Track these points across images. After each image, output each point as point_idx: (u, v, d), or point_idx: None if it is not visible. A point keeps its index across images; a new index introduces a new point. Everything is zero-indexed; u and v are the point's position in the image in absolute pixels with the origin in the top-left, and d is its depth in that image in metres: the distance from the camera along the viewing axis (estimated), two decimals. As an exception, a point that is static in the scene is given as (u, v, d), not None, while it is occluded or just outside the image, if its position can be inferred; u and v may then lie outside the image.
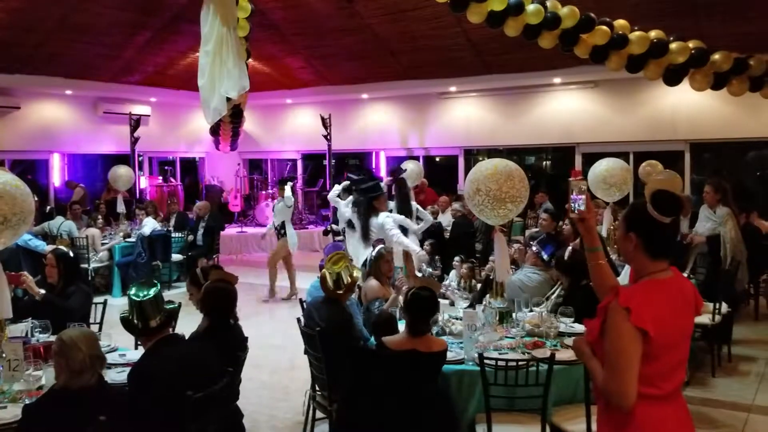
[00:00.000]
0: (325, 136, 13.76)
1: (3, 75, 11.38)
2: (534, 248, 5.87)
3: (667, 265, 2.51)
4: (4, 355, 3.73)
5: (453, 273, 8.52)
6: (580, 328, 4.66)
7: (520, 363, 3.87)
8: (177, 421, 3.18)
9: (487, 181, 4.92)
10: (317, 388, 4.75)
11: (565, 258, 5.38)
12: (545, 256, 5.78)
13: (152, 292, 3.51)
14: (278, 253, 10.09)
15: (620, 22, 7.37)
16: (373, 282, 5.63)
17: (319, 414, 4.79)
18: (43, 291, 4.89)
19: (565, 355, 4.14)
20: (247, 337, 4.25)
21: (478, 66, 11.90)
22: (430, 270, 8.62)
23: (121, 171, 12.33)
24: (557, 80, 12.21)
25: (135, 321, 3.46)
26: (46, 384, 3.56)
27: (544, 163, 15.09)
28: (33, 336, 4.22)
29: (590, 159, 10.10)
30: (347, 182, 8.27)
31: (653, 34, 7.31)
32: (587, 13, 7.22)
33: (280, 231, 10.02)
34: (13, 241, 4.36)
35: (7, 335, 4.19)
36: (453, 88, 13.44)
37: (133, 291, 3.52)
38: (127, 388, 3.43)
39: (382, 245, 6.36)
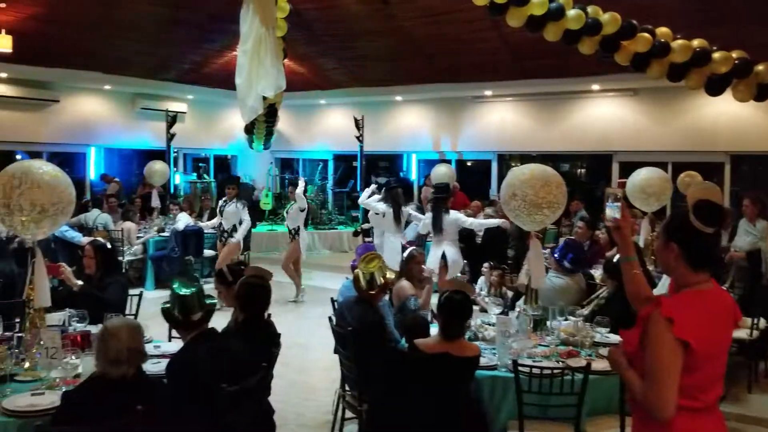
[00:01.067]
0: (358, 137, 13.78)
1: (44, 69, 11.59)
2: (555, 256, 5.80)
3: (707, 277, 2.46)
4: (42, 343, 3.79)
5: (482, 279, 8.48)
6: (615, 338, 4.59)
7: (554, 371, 3.82)
8: (211, 413, 3.20)
9: (523, 186, 4.87)
10: (347, 388, 4.74)
11: (613, 261, 5.30)
12: (568, 265, 5.70)
13: (195, 288, 3.58)
14: (290, 257, 9.93)
15: (662, 30, 7.26)
16: (404, 283, 5.60)
17: (348, 413, 4.78)
18: (80, 282, 4.96)
19: (601, 365, 4.08)
20: (279, 334, 4.26)
21: (514, 70, 11.81)
22: (459, 274, 8.59)
23: (157, 166, 12.48)
24: (595, 87, 12.08)
25: (176, 314, 3.50)
26: (82, 372, 3.60)
27: (579, 170, 14.93)
28: (70, 325, 4.27)
29: (627, 168, 9.96)
30: (376, 185, 9.13)
31: (696, 42, 7.18)
32: (629, 19, 7.12)
33: (292, 233, 9.87)
34: (53, 230, 4.42)
35: (45, 323, 4.26)
36: (488, 92, 13.37)
37: (177, 286, 3.58)
38: (164, 380, 3.47)
39: (414, 247, 6.35)
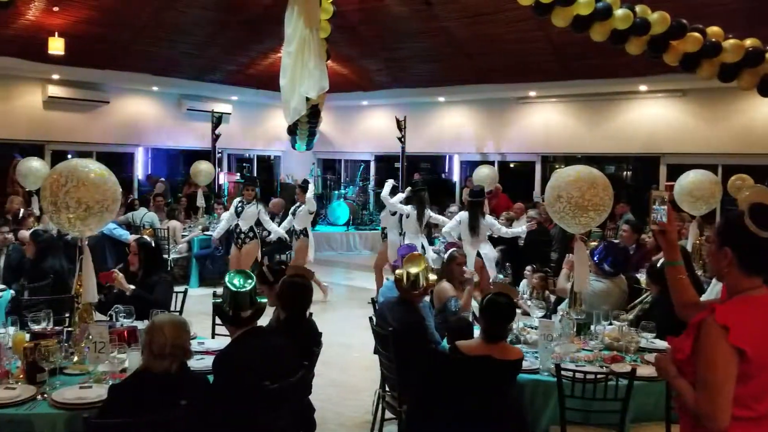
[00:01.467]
0: (400, 138, 13.77)
1: (95, 70, 11.91)
2: (594, 259, 5.70)
3: (761, 282, 2.38)
4: (90, 338, 3.88)
5: (524, 282, 8.39)
6: (661, 344, 4.49)
7: (598, 376, 3.75)
8: (254, 409, 3.23)
9: (569, 188, 4.80)
10: (387, 388, 4.74)
11: (656, 266, 5.19)
12: (608, 269, 5.59)
13: (249, 284, 3.60)
14: (298, 260, 9.54)
15: (713, 29, 7.08)
16: (445, 284, 5.57)
17: (388, 414, 4.78)
18: (132, 287, 5.05)
19: (646, 370, 3.99)
20: (321, 333, 4.28)
21: (559, 71, 11.67)
22: (501, 276, 8.51)
23: (202, 166, 12.68)
24: (643, 88, 11.84)
25: (227, 308, 3.55)
26: (128, 367, 3.67)
27: (625, 173, 14.66)
28: (117, 320, 4.37)
29: (675, 170, 9.75)
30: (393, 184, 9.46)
31: (748, 42, 6.98)
32: (678, 18, 6.97)
33: (299, 235, 9.68)
34: (100, 228, 4.49)
35: (93, 319, 4.36)
36: (532, 93, 13.23)
37: (231, 280, 3.60)
38: (208, 375, 3.52)
39: (455, 248, 6.31)
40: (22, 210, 9.49)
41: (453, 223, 8.74)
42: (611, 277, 5.58)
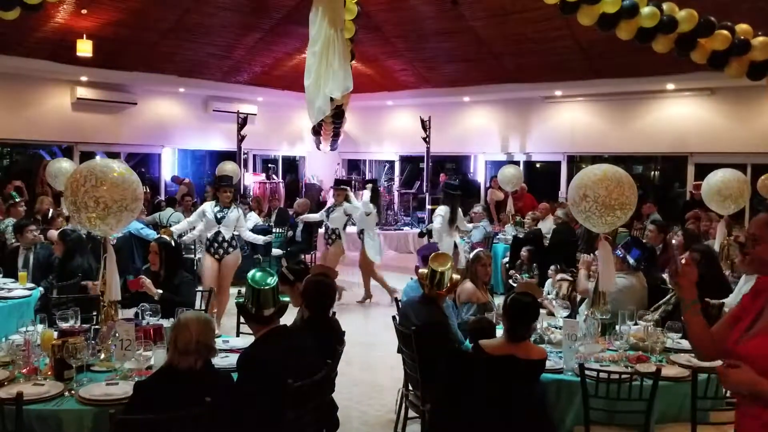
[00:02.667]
0: (424, 139, 13.75)
1: (123, 72, 12.06)
2: (619, 253, 5.63)
3: None
4: (117, 335, 3.93)
5: (549, 282, 8.33)
6: (688, 344, 4.43)
7: (622, 376, 3.71)
8: (278, 407, 3.26)
9: (596, 187, 4.75)
10: (410, 387, 4.74)
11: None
12: (632, 261, 5.52)
13: (272, 282, 3.62)
14: (333, 260, 9.45)
15: (742, 27, 6.97)
16: (468, 285, 5.56)
17: (411, 413, 4.77)
18: (160, 291, 5.10)
19: (672, 371, 3.95)
20: (344, 331, 4.29)
21: (585, 70, 11.56)
22: (526, 276, 8.46)
23: (228, 167, 12.78)
24: (670, 86, 11.68)
25: (250, 306, 3.58)
26: (154, 364, 3.72)
27: (653, 173, 14.48)
28: (143, 318, 4.42)
29: (703, 170, 9.59)
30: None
31: (778, 38, 6.87)
32: (706, 16, 6.86)
33: (332, 236, 9.63)
34: (122, 227, 4.52)
35: (119, 317, 4.42)
36: (558, 92, 13.12)
37: (255, 277, 3.62)
38: (232, 373, 3.56)
39: (480, 249, 6.28)
40: (51, 210, 9.67)
41: (439, 218, 9.02)
42: (634, 272, 5.51)
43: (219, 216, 7.73)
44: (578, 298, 7.59)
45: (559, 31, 10.48)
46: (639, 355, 4.17)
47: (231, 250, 7.82)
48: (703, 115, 11.82)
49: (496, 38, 11.40)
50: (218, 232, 7.74)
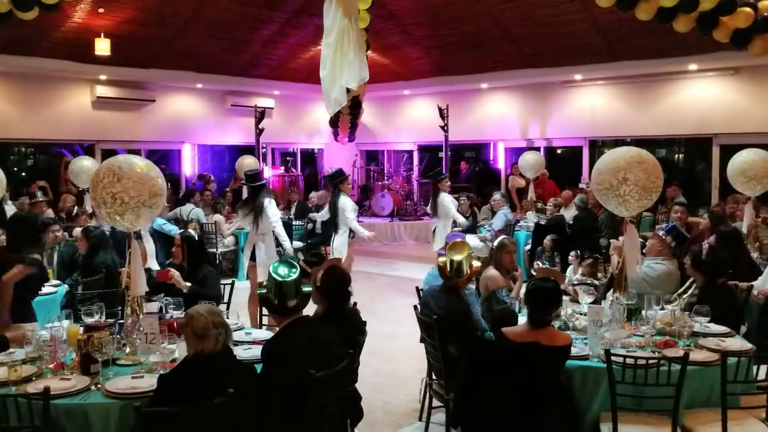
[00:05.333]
0: (442, 127, 13.66)
1: (140, 70, 12.12)
2: (661, 233, 5.54)
3: None
4: (141, 329, 3.96)
5: (570, 269, 8.25)
6: (716, 328, 4.36)
7: (649, 361, 3.66)
8: (301, 398, 3.26)
9: (636, 170, 4.67)
10: (434, 377, 4.72)
11: (702, 256, 5.04)
12: (670, 241, 5.44)
13: (294, 273, 3.62)
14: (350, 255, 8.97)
15: (765, 3, 6.82)
16: (493, 272, 5.51)
17: (435, 402, 4.76)
18: (188, 284, 5.13)
19: (700, 355, 3.88)
20: (365, 321, 4.28)
21: (605, 52, 11.38)
22: (547, 264, 8.38)
23: (248, 161, 12.82)
24: (693, 67, 11.46)
25: (273, 298, 3.58)
26: (178, 357, 3.74)
27: (677, 156, 14.27)
28: (167, 312, 4.45)
29: (728, 151, 9.42)
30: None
31: (803, 15, 6.70)
32: (728, -8, 6.73)
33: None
34: (143, 223, 4.52)
35: (144, 311, 4.45)
36: (578, 76, 12.95)
37: (277, 269, 3.63)
38: (255, 365, 3.56)
39: (505, 236, 6.22)
40: (75, 208, 9.77)
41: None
42: (673, 257, 5.43)
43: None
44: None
45: (577, 14, 10.35)
46: (666, 340, 4.10)
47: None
48: (726, 96, 11.60)
49: (513, 22, 11.28)
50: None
